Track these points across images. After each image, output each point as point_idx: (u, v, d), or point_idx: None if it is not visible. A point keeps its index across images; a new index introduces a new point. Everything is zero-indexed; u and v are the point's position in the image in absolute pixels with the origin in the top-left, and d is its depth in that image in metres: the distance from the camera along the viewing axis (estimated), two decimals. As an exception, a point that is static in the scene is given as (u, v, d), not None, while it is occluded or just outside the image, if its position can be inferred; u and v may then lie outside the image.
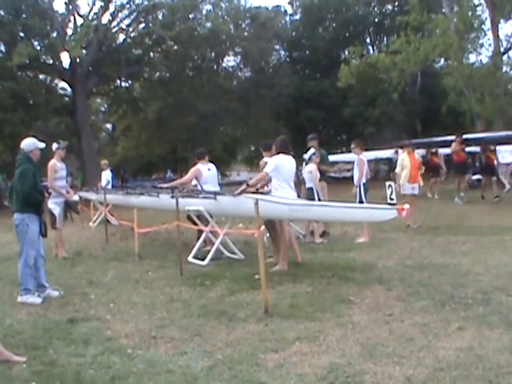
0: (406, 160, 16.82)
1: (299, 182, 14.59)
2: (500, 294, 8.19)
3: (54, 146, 13.78)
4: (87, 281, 10.83)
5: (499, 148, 26.67)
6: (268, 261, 11.06)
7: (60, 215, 13.55)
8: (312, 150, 14.40)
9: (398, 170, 17.14)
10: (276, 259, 11.37)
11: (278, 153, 11.15)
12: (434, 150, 28.90)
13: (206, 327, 7.37)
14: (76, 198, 14.38)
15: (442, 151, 29.68)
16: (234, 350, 6.46)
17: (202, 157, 13.75)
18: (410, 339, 6.46)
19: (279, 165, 10.91)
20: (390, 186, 8.97)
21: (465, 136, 25.17)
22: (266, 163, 11.68)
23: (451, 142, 24.40)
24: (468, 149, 29.14)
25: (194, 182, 13.64)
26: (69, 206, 14.05)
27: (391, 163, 37.76)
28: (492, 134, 29.83)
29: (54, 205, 13.31)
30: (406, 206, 8.80)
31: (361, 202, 13.80)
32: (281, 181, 10.89)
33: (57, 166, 13.40)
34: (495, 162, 25.15)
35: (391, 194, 8.91)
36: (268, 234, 13.39)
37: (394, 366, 5.69)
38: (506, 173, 25.90)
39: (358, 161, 14.54)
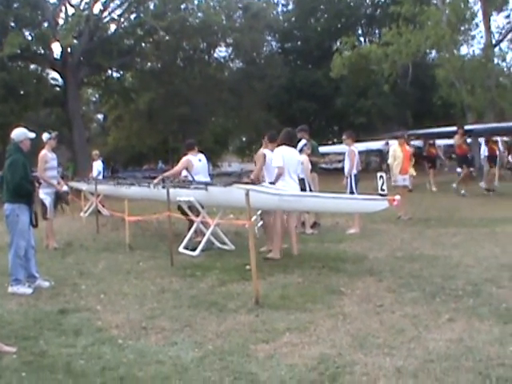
0: (397, 151, 16.82)
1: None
2: (490, 285, 8.23)
3: (45, 136, 13.72)
4: (78, 271, 10.81)
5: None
6: (261, 250, 11.14)
7: (51, 205, 13.50)
8: (303, 141, 14.39)
9: (390, 161, 17.11)
10: (268, 248, 11.47)
11: (281, 144, 11.42)
12: (431, 142, 28.87)
13: (197, 318, 7.38)
14: (65, 188, 14.34)
15: (441, 142, 29.73)
16: (224, 341, 6.47)
17: (192, 148, 13.74)
18: (400, 330, 6.48)
19: (283, 156, 11.16)
20: (381, 177, 8.99)
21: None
22: (263, 155, 11.78)
23: (449, 133, 24.36)
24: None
25: (185, 172, 13.63)
26: (59, 197, 14.02)
27: (382, 154, 37.89)
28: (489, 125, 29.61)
29: (44, 195, 13.26)
30: (397, 196, 8.81)
31: (351, 192, 13.83)
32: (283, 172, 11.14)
33: (47, 157, 13.35)
34: (497, 153, 25.03)
35: (382, 184, 8.93)
36: (259, 224, 13.45)
37: (385, 357, 5.71)
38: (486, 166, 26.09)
39: (349, 152, 14.56)
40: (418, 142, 31.82)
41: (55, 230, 14.34)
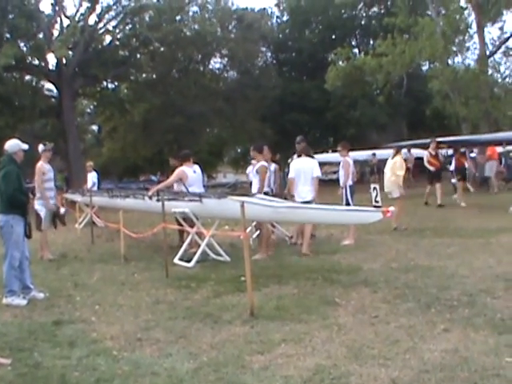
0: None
1: (285, 184, 14.71)
2: (485, 296, 8.23)
3: (41, 147, 13.75)
4: (73, 283, 10.79)
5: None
6: (253, 258, 11.18)
7: (46, 217, 13.50)
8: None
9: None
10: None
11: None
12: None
13: (192, 329, 7.37)
14: (63, 210, 14.40)
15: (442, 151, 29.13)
16: (219, 352, 6.46)
17: (188, 159, 13.72)
18: (395, 341, 6.48)
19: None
20: (374, 188, 9.00)
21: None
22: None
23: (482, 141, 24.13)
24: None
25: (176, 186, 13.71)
26: (56, 215, 14.01)
27: (367, 165, 37.73)
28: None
29: (40, 206, 13.29)
30: (392, 208, 8.81)
31: (347, 204, 13.82)
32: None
33: (44, 168, 13.38)
34: (466, 165, 25.25)
35: (376, 196, 8.95)
36: (254, 236, 13.49)
37: (380, 368, 5.71)
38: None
39: (344, 163, 14.56)
40: (419, 152, 31.69)
41: (50, 241, 14.35)
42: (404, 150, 28.87)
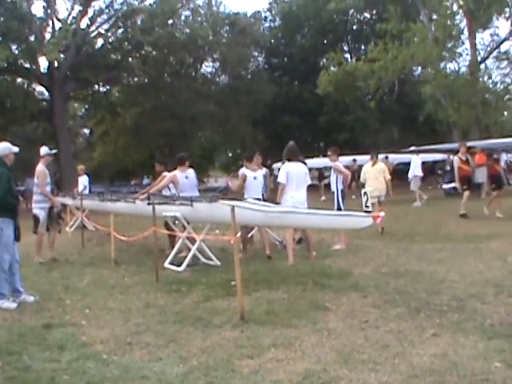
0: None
1: (276, 189, 14.69)
2: (475, 301, 8.25)
3: (45, 150, 13.74)
4: (63, 286, 10.78)
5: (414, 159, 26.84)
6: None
7: (44, 220, 13.50)
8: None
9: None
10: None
11: (287, 160, 12.45)
12: (495, 156, 24.62)
13: (182, 333, 7.37)
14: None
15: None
16: (209, 356, 6.46)
17: (182, 162, 13.69)
18: (385, 346, 6.49)
19: (288, 173, 12.16)
20: (365, 193, 9.04)
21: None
22: (244, 176, 12.31)
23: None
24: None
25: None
26: (59, 217, 14.07)
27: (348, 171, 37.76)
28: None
29: (39, 210, 13.32)
30: (382, 213, 8.85)
31: (339, 208, 13.82)
32: (289, 186, 12.14)
33: (46, 172, 13.40)
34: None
35: (367, 201, 8.98)
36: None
37: (369, 373, 5.72)
38: (417, 185, 26.12)
39: (334, 168, 14.58)
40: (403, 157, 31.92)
41: (44, 245, 14.31)
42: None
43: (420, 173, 26.56)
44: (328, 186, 17.22)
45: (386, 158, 32.08)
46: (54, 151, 14.28)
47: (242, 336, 7.13)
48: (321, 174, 38.85)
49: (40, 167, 13.48)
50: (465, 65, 38.32)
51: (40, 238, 13.75)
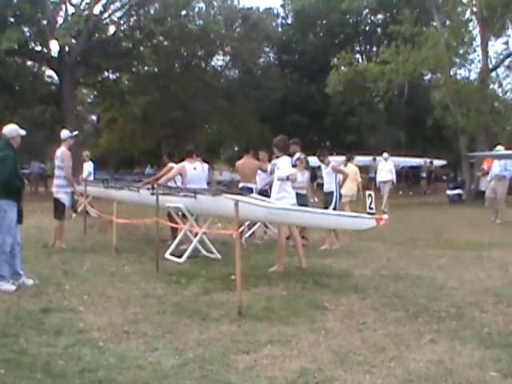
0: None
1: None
2: (473, 309, 8.24)
3: (66, 133, 13.70)
4: (63, 271, 10.80)
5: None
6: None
7: (69, 206, 13.50)
8: (297, 155, 14.41)
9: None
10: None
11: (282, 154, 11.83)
12: None
13: (179, 325, 7.37)
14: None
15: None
16: (205, 350, 6.46)
17: (190, 155, 13.73)
18: (381, 349, 6.48)
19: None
20: (369, 195, 9.01)
21: None
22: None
23: None
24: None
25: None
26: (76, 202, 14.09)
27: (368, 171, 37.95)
28: None
29: (64, 194, 13.33)
30: (385, 216, 8.84)
31: (334, 209, 13.85)
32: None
33: (70, 155, 13.38)
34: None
35: (371, 203, 8.95)
36: (247, 235, 13.49)
37: (364, 375, 5.71)
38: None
39: (334, 168, 14.58)
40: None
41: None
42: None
43: (391, 177, 26.28)
44: (320, 185, 17.42)
45: (374, 159, 32.42)
46: (75, 133, 14.22)
47: (239, 331, 7.13)
48: (313, 174, 38.85)
49: (64, 150, 13.44)
50: (476, 72, 38.19)
51: (62, 224, 13.73)
